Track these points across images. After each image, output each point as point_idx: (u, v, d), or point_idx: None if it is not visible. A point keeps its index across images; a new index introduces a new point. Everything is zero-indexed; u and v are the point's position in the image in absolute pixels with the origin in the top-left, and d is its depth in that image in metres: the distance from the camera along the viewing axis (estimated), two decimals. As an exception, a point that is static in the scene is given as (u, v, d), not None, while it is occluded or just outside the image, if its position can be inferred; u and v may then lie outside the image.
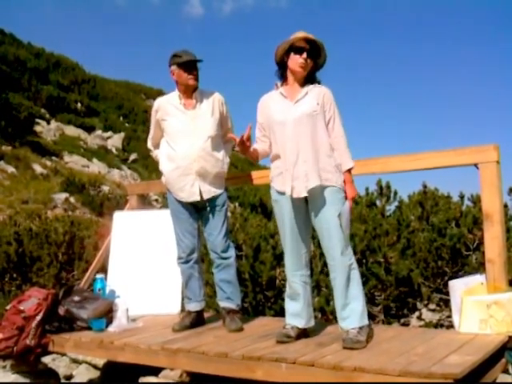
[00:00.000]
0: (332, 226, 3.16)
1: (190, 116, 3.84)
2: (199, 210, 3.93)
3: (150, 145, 4.17)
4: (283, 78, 3.35)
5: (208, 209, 3.87)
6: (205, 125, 3.83)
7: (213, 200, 3.86)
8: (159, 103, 3.96)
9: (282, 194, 3.29)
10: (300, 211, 3.29)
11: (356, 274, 3.18)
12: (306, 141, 3.18)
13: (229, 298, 3.85)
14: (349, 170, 3.23)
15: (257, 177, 4.27)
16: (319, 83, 3.34)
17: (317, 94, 3.25)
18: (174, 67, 3.82)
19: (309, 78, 3.31)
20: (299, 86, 3.29)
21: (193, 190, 3.82)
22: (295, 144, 3.20)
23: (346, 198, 3.21)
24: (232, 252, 3.91)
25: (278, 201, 3.35)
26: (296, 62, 3.23)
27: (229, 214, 6.98)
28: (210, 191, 3.84)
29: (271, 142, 3.39)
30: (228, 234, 3.94)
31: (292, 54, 3.23)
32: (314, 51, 3.23)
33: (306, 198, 3.24)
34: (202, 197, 3.82)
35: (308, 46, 3.21)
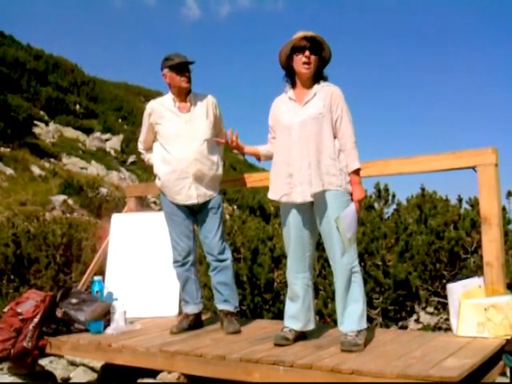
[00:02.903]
0: (332, 228, 3.16)
1: (185, 119, 3.84)
2: (194, 213, 3.92)
3: (141, 148, 4.16)
4: (292, 82, 3.34)
5: (203, 211, 3.87)
6: (200, 128, 3.83)
7: (208, 203, 3.86)
8: (152, 106, 3.94)
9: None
10: (305, 214, 3.28)
11: (357, 278, 3.17)
12: (310, 145, 3.16)
13: (226, 300, 3.84)
14: (356, 172, 3.17)
15: (256, 179, 4.27)
16: (326, 79, 3.31)
17: (325, 94, 3.22)
18: (166, 70, 3.82)
19: (317, 77, 3.28)
20: (308, 87, 3.28)
21: (190, 192, 3.82)
22: (301, 148, 3.18)
23: (352, 200, 3.17)
24: (228, 254, 3.90)
25: (283, 203, 3.35)
26: (299, 62, 3.21)
27: (227, 216, 7.00)
28: (205, 194, 3.84)
29: (276, 146, 3.39)
30: (224, 236, 3.93)
31: (295, 56, 3.22)
32: (316, 48, 3.21)
33: (311, 201, 3.23)
34: (198, 200, 3.82)
35: (308, 43, 3.19)
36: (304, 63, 3.20)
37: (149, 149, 4.07)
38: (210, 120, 3.87)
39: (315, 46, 3.20)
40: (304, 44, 3.19)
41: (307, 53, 3.18)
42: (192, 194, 3.82)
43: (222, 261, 3.85)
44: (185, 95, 3.86)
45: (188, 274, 3.92)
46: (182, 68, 3.79)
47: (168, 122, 3.85)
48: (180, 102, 3.87)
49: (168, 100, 3.90)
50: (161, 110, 3.89)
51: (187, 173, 3.78)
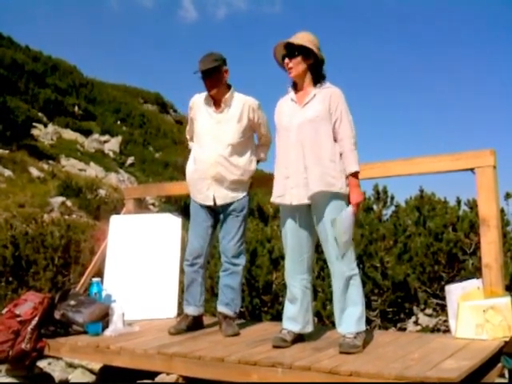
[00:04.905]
0: (328, 231, 3.16)
1: (216, 120, 3.80)
2: (217, 214, 3.90)
3: (187, 136, 4.19)
4: (294, 83, 3.37)
5: (225, 213, 3.84)
6: (228, 131, 3.77)
7: (230, 205, 3.81)
8: (194, 101, 3.93)
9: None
10: (303, 216, 3.28)
11: (356, 280, 3.17)
12: (308, 147, 3.17)
13: (228, 304, 3.83)
14: (354, 174, 3.15)
15: (255, 181, 4.26)
16: (325, 77, 3.31)
17: (324, 96, 3.22)
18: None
19: (316, 77, 3.29)
20: (307, 89, 3.29)
21: (208, 194, 3.80)
22: (298, 150, 3.20)
23: (349, 202, 3.16)
24: (242, 260, 3.87)
25: (281, 204, 3.35)
26: (287, 67, 3.29)
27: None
28: (226, 197, 3.79)
29: (276, 148, 3.41)
30: (243, 241, 3.87)
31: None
32: (298, 51, 3.23)
33: (309, 204, 3.23)
34: (215, 202, 3.80)
35: (286, 50, 3.27)
36: (288, 70, 3.29)
37: (192, 137, 4.08)
38: (242, 124, 3.79)
39: (294, 50, 3.24)
40: (282, 52, 3.29)
41: (286, 60, 3.27)
42: (209, 196, 3.79)
43: (234, 265, 3.83)
44: (217, 99, 3.81)
45: (195, 276, 3.91)
46: (203, 76, 3.73)
47: (202, 119, 3.86)
48: (216, 101, 3.83)
49: (207, 97, 3.86)
50: (199, 107, 3.88)
51: (207, 174, 3.77)
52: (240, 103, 3.82)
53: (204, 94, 3.89)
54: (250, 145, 3.91)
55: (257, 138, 4.01)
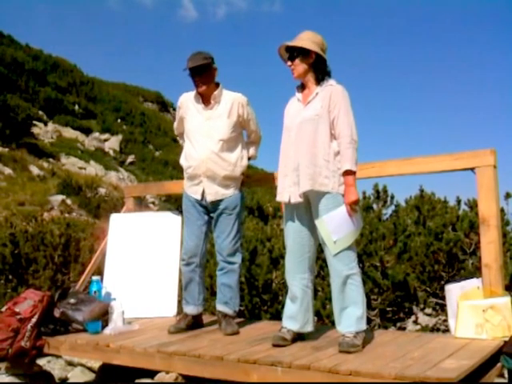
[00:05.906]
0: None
1: (205, 117, 3.83)
2: (211, 213, 3.90)
3: (176, 132, 4.25)
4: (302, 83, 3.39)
5: (217, 211, 3.84)
6: (218, 127, 3.79)
7: (222, 202, 3.82)
8: (182, 100, 3.97)
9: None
10: (304, 214, 3.29)
11: (355, 280, 3.15)
12: (305, 146, 3.18)
13: (227, 302, 3.83)
14: (348, 173, 3.11)
15: (255, 179, 4.27)
16: (329, 73, 3.31)
17: (324, 94, 3.21)
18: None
19: (319, 75, 3.28)
20: (311, 87, 3.29)
21: (197, 188, 3.83)
22: (296, 149, 3.21)
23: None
24: (239, 258, 3.86)
25: (284, 202, 3.37)
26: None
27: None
28: (217, 193, 3.81)
29: (280, 147, 3.42)
30: (238, 239, 3.87)
31: None
32: (297, 53, 3.25)
33: (309, 202, 3.24)
34: (205, 198, 3.81)
35: (288, 52, 3.29)
36: (292, 71, 3.31)
37: (180, 134, 4.13)
38: (231, 120, 3.82)
39: (294, 51, 3.25)
40: (284, 55, 3.33)
41: (289, 63, 3.30)
42: (198, 191, 3.83)
43: (230, 263, 3.83)
44: (207, 96, 3.83)
45: (192, 275, 3.90)
46: (192, 72, 3.77)
47: (191, 118, 3.88)
48: (205, 99, 3.85)
49: (196, 95, 3.89)
50: (188, 105, 3.91)
51: (199, 170, 3.80)
52: (229, 99, 3.85)
53: (192, 93, 3.92)
54: (241, 141, 3.94)
55: (246, 136, 4.03)
